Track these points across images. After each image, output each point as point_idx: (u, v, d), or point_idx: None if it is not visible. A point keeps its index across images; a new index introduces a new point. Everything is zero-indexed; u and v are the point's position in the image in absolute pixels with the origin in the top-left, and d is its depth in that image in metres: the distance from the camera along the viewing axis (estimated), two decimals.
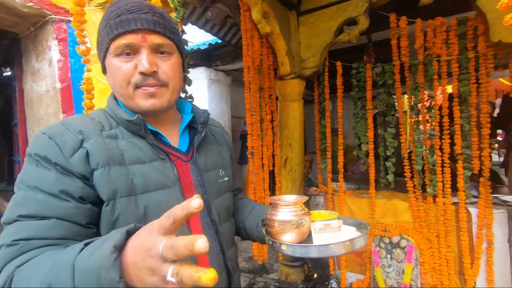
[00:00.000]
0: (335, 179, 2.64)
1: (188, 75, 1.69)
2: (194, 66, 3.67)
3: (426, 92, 2.16)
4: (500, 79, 4.80)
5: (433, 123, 2.14)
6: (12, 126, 3.20)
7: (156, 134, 0.72)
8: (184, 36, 1.52)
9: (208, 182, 0.76)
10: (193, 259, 0.67)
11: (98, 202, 0.60)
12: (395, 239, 2.24)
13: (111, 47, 0.65)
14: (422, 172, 2.22)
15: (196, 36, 4.13)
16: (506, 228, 2.01)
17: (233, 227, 0.85)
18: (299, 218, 0.66)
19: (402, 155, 2.41)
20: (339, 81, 2.50)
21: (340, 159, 2.54)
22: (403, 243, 2.22)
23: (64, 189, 0.57)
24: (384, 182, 2.44)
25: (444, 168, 2.09)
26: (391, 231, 2.26)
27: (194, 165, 0.75)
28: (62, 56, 2.31)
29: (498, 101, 3.94)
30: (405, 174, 2.27)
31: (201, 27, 2.92)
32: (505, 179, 2.79)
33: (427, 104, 2.18)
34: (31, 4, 2.15)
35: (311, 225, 0.69)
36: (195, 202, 0.38)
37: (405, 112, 2.80)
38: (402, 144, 2.31)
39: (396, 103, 2.39)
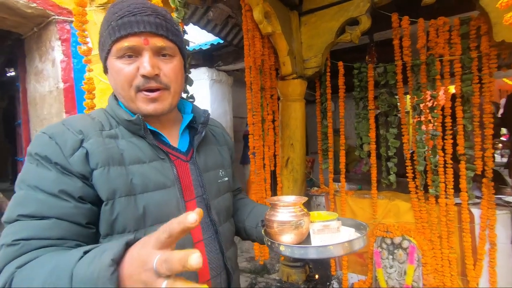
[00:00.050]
0: (336, 180, 2.63)
1: (190, 75, 1.69)
2: (196, 66, 3.67)
3: (429, 92, 2.15)
4: (504, 79, 4.77)
5: (436, 124, 2.13)
6: (15, 126, 3.23)
7: (156, 134, 0.72)
8: (186, 37, 1.52)
9: (207, 182, 0.76)
10: None
11: (97, 202, 0.60)
12: (397, 240, 2.23)
13: (113, 49, 0.65)
14: (424, 173, 2.20)
15: (198, 37, 4.14)
16: (509, 229, 1.99)
17: (232, 227, 0.85)
18: (298, 219, 0.66)
19: (404, 156, 2.40)
20: (341, 81, 2.49)
21: (342, 159, 2.54)
22: (405, 244, 2.20)
23: (64, 189, 0.57)
24: (386, 183, 2.43)
25: (446, 169, 2.08)
26: (393, 231, 2.25)
27: (193, 165, 0.75)
28: (65, 56, 2.33)
29: (503, 101, 3.91)
30: (407, 174, 2.27)
31: (203, 27, 2.92)
32: (509, 180, 2.77)
33: (430, 104, 2.17)
34: (34, 5, 2.17)
35: (310, 226, 0.68)
36: (192, 217, 0.37)
37: (407, 112, 2.78)
38: (404, 145, 2.30)
39: (398, 103, 2.38)
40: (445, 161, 2.08)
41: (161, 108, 0.68)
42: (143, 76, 0.65)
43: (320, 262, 2.69)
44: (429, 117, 2.16)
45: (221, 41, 3.30)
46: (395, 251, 2.24)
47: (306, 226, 0.67)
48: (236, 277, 0.81)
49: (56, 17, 2.29)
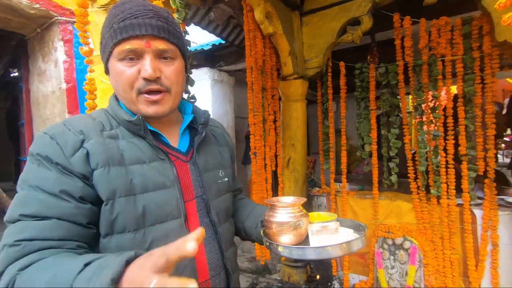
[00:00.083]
0: (338, 180, 2.63)
1: (191, 75, 1.70)
2: (197, 66, 3.68)
3: (430, 93, 2.14)
4: (507, 79, 4.74)
5: (437, 124, 2.12)
6: (19, 126, 3.25)
7: (156, 135, 0.72)
8: (187, 37, 1.52)
9: (207, 182, 0.76)
10: (192, 258, 0.67)
11: (97, 202, 0.61)
12: (399, 240, 2.23)
13: (115, 51, 0.66)
14: (426, 173, 2.20)
15: (200, 37, 4.15)
16: None
17: (232, 228, 0.86)
18: (296, 220, 0.66)
19: (406, 156, 2.39)
20: (343, 81, 2.49)
21: (343, 159, 2.54)
22: (407, 244, 2.20)
23: (65, 189, 0.58)
24: (387, 183, 2.42)
25: (448, 169, 2.07)
26: (395, 232, 2.24)
27: (193, 165, 0.75)
28: (68, 57, 2.34)
29: (506, 101, 3.89)
30: (408, 175, 2.26)
31: (205, 27, 2.93)
32: (511, 180, 2.75)
33: (431, 104, 2.16)
34: (37, 6, 2.19)
35: (309, 227, 0.69)
36: (190, 246, 0.38)
37: (409, 112, 2.77)
38: (405, 145, 2.29)
39: (400, 104, 2.37)
40: (447, 161, 2.07)
41: (162, 110, 0.69)
42: (145, 79, 0.65)
43: (321, 263, 2.69)
44: (431, 118, 2.15)
45: (223, 42, 3.31)
46: (397, 251, 2.23)
47: (305, 227, 0.68)
48: (236, 277, 0.81)
49: (59, 18, 2.30)
